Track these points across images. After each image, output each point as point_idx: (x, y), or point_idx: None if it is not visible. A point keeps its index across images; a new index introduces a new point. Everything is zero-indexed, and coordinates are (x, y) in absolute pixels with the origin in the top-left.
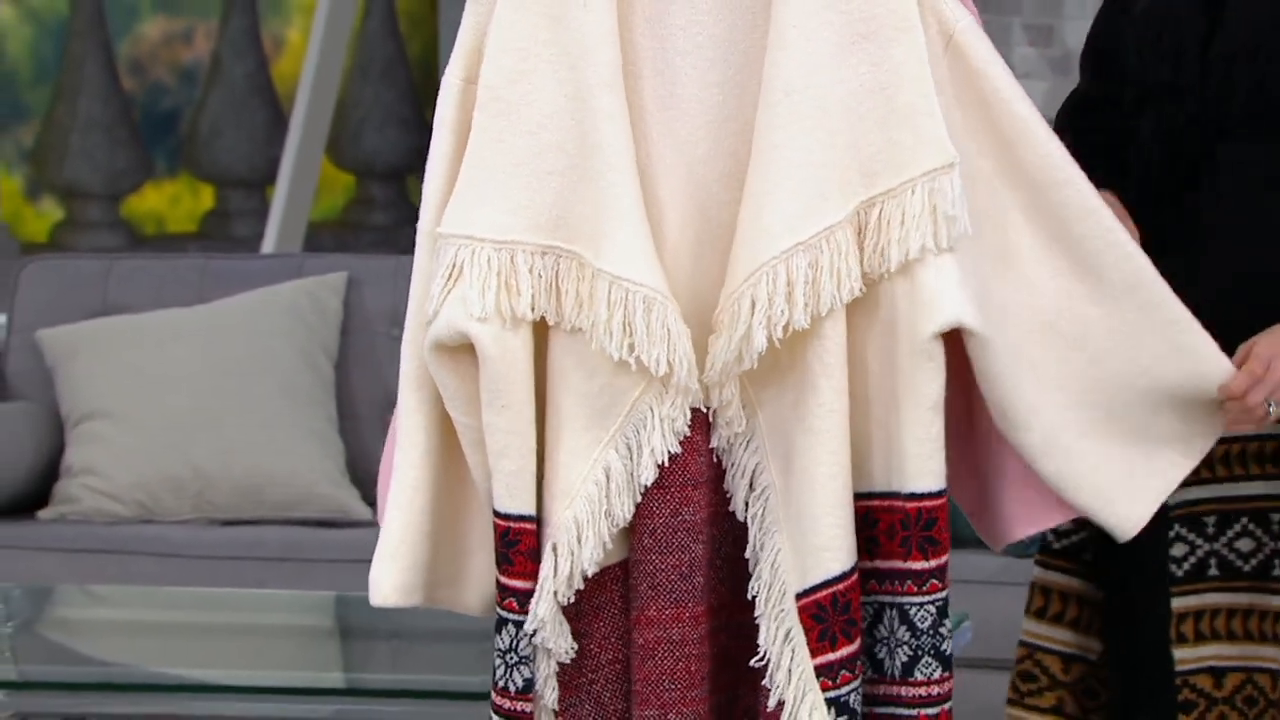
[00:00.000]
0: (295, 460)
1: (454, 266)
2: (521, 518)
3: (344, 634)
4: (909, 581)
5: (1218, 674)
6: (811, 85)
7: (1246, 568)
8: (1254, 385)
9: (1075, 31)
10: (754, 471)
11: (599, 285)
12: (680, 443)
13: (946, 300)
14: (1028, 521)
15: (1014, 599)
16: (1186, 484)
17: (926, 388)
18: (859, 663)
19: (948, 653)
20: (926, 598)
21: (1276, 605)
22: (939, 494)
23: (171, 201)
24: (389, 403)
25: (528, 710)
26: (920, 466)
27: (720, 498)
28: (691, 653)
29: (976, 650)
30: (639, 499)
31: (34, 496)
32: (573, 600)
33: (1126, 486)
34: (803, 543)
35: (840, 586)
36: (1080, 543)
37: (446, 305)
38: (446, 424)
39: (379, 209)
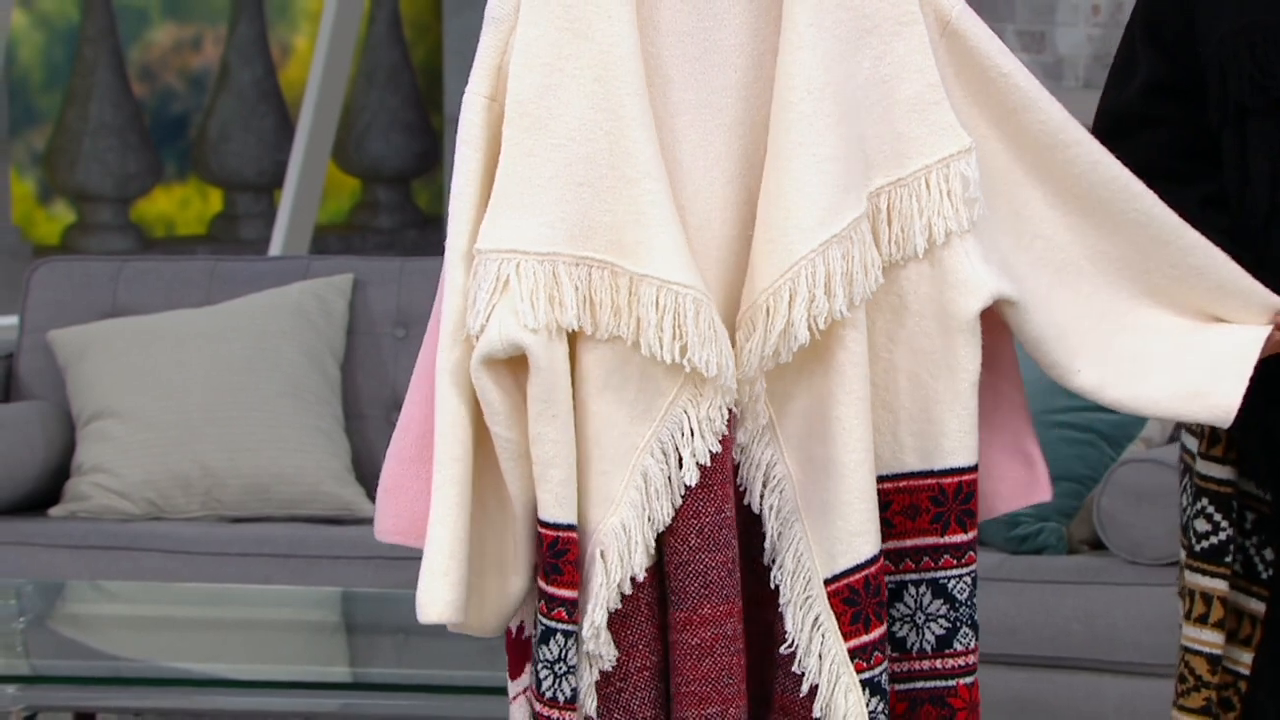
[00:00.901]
0: (302, 459)
1: (499, 280)
2: (569, 527)
3: (349, 629)
4: (946, 555)
5: None
6: (830, 82)
7: None
8: None
9: (1066, 38)
10: (769, 465)
11: (643, 290)
12: (720, 441)
13: (981, 278)
14: (1011, 499)
15: (1008, 595)
16: None
17: (971, 364)
18: (886, 645)
19: (978, 621)
20: (966, 569)
21: None
22: (974, 469)
23: (181, 205)
24: (394, 402)
25: None
26: (959, 443)
27: (736, 492)
28: (740, 647)
29: None
30: (679, 502)
31: (45, 494)
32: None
33: (1207, 377)
34: (830, 530)
35: (872, 570)
36: (1220, 546)
37: (496, 319)
38: (481, 440)
39: (384, 212)
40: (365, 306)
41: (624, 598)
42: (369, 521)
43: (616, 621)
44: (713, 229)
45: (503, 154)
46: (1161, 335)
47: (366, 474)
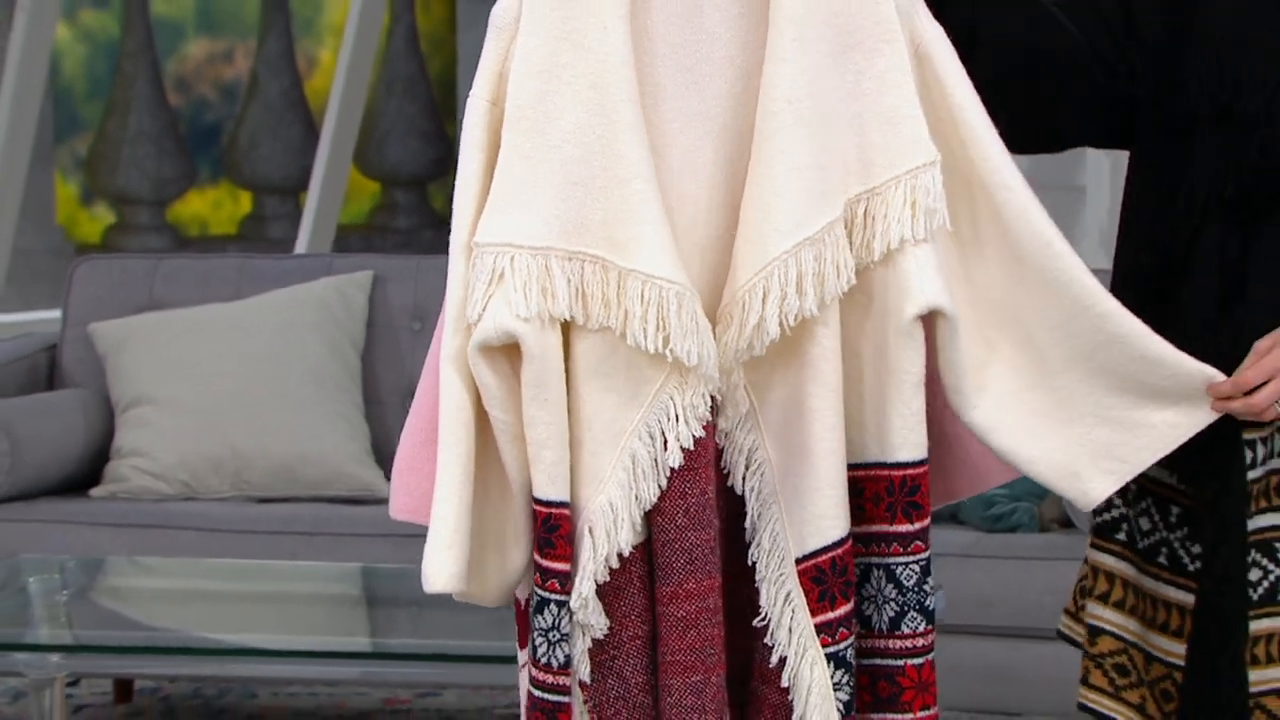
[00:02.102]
0: (325, 443)
1: (494, 273)
2: (562, 504)
3: (369, 602)
4: (895, 543)
5: None
6: (809, 94)
7: None
8: (1267, 382)
9: None
10: (751, 449)
11: (629, 284)
12: (704, 426)
13: (926, 285)
14: (1002, 473)
15: (982, 571)
16: (1261, 511)
17: (911, 366)
18: (854, 621)
19: (931, 608)
20: (911, 558)
21: None
22: (921, 463)
23: (213, 206)
24: (410, 390)
25: (567, 684)
26: (904, 438)
27: (719, 474)
28: (721, 619)
29: (949, 617)
30: (664, 482)
31: (87, 476)
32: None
33: (1090, 465)
34: (802, 513)
35: (839, 551)
36: (1112, 522)
37: (491, 309)
38: (482, 422)
39: (402, 213)
40: (384, 301)
41: (617, 571)
42: (387, 501)
43: (610, 593)
44: (700, 229)
45: (501, 154)
46: (1075, 405)
47: (384, 457)
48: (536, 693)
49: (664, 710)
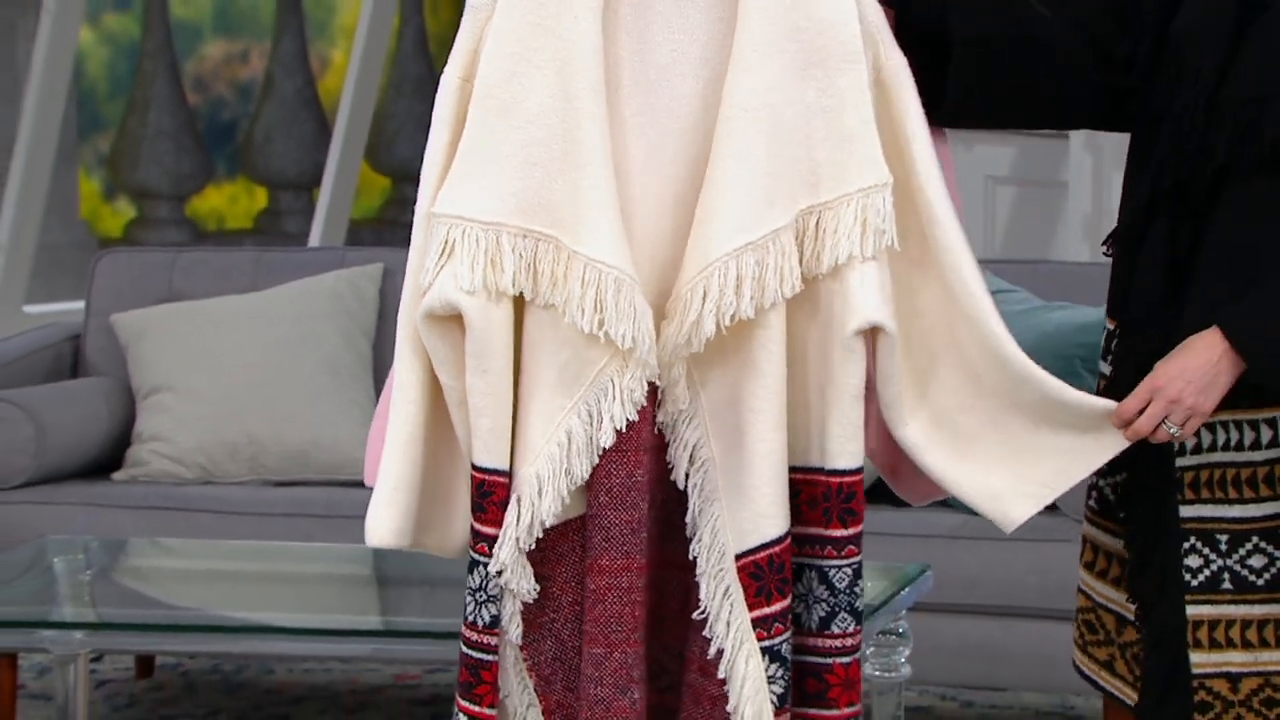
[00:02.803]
0: (338, 429)
1: (446, 244)
2: (495, 471)
3: (380, 582)
4: (829, 546)
5: (1233, 679)
6: (765, 104)
7: (1260, 582)
8: (1141, 412)
9: None
10: (695, 445)
11: (574, 266)
12: (638, 411)
13: (869, 302)
14: (933, 490)
15: (969, 552)
16: (1202, 502)
17: (850, 379)
18: (789, 616)
19: (859, 608)
20: (844, 561)
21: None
22: (856, 471)
23: (230, 201)
24: None
25: (493, 643)
26: (842, 447)
27: (662, 464)
28: (636, 599)
29: (937, 597)
30: (597, 460)
31: (109, 460)
32: (537, 548)
33: (1011, 488)
34: (742, 510)
35: (776, 549)
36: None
37: (439, 279)
38: (436, 387)
39: (411, 208)
40: (394, 292)
41: (558, 539)
42: None
43: (552, 560)
44: (659, 222)
45: (466, 130)
46: (1001, 430)
47: None
48: (465, 649)
49: (579, 675)
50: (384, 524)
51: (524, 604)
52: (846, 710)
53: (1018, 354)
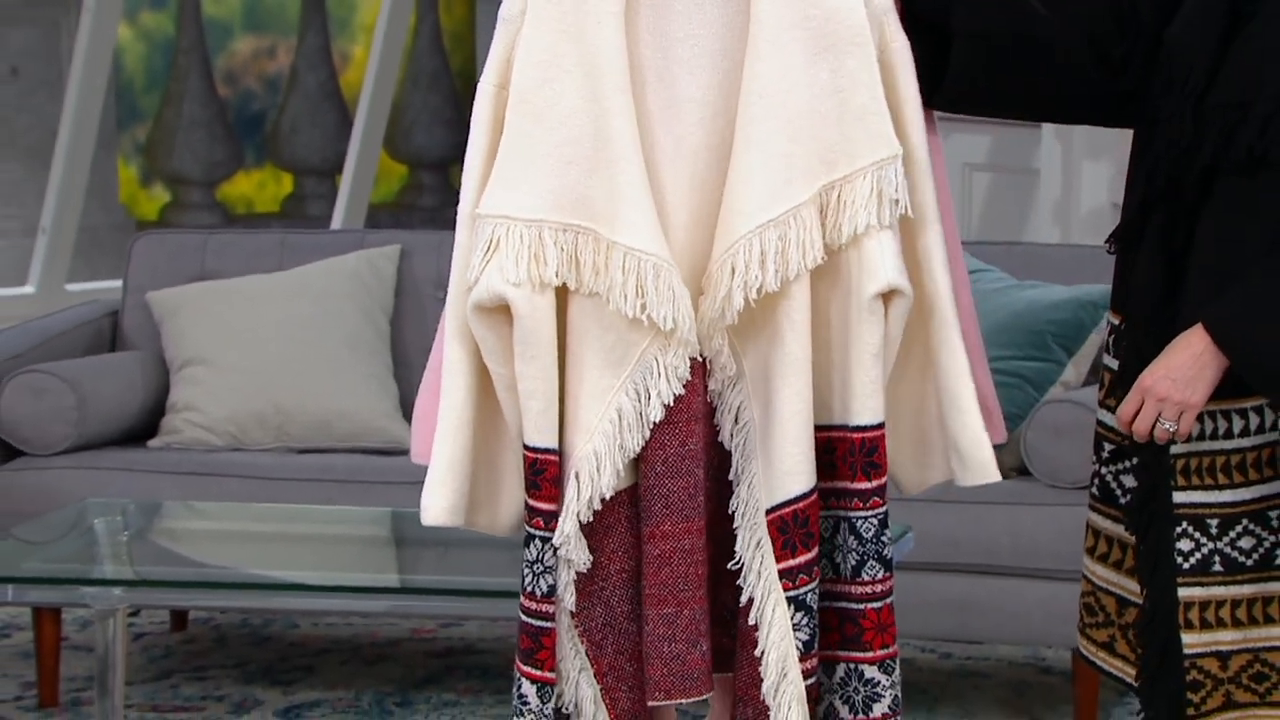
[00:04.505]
0: (358, 399)
1: (491, 241)
2: (547, 450)
3: (398, 542)
4: (855, 499)
5: (1223, 657)
6: (780, 89)
7: (1249, 562)
8: (1136, 415)
9: None
10: (739, 409)
11: (614, 255)
12: (688, 386)
13: (887, 267)
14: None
15: (950, 514)
16: (1193, 488)
17: (870, 338)
18: (816, 568)
19: (888, 557)
20: (870, 512)
21: (1273, 590)
22: (877, 426)
23: (258, 187)
24: None
25: (551, 611)
26: (863, 404)
27: (711, 430)
28: (699, 559)
29: (918, 556)
30: (649, 434)
31: (145, 429)
32: (589, 522)
33: (911, 460)
34: (772, 468)
35: (800, 505)
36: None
37: (486, 273)
38: (483, 374)
39: (427, 193)
40: (411, 272)
41: (605, 512)
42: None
43: (600, 532)
44: (690, 207)
45: (504, 134)
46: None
47: (410, 413)
48: (524, 618)
49: (644, 637)
50: (439, 503)
51: (576, 575)
52: (880, 652)
53: (955, 355)
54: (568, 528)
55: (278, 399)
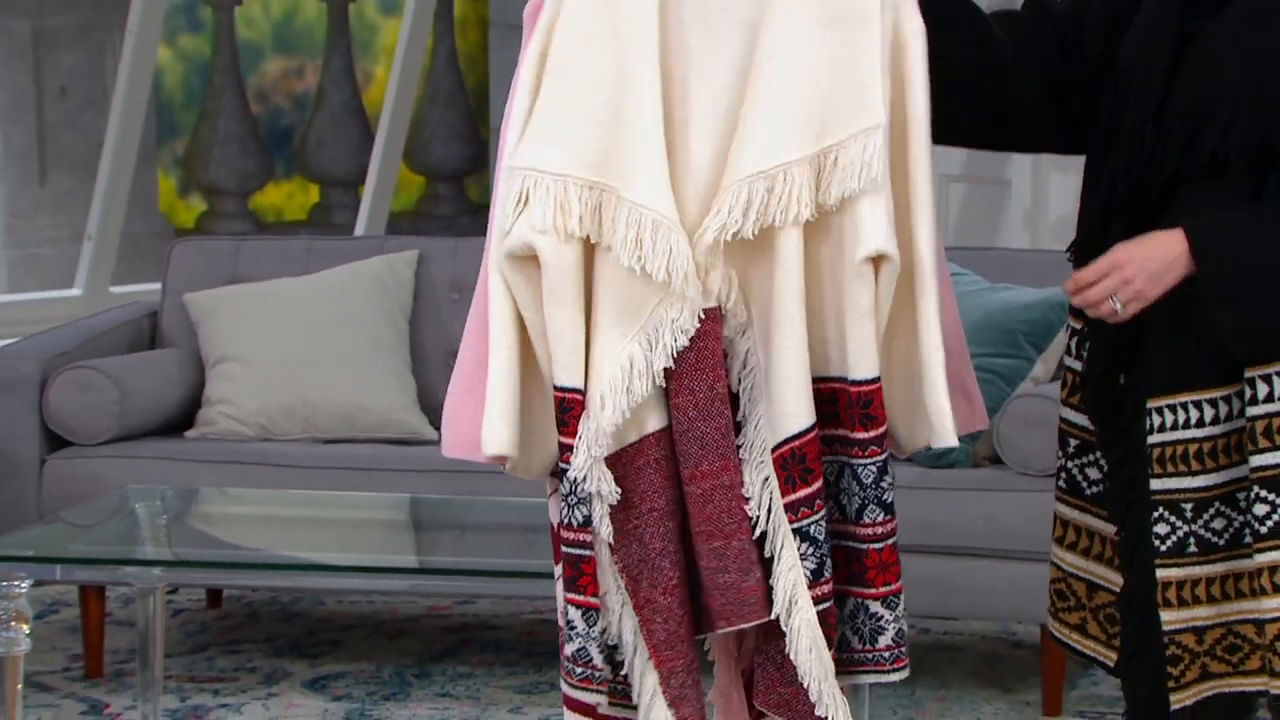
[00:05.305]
0: (379, 394)
1: (522, 193)
2: (573, 390)
3: (416, 526)
4: (854, 447)
5: (1199, 632)
6: (790, 53)
7: (1220, 542)
8: (1098, 281)
9: None
10: (746, 354)
11: (623, 210)
12: (704, 334)
13: (875, 233)
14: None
15: (926, 499)
16: (1168, 475)
17: (861, 299)
18: (818, 501)
19: (889, 501)
20: (868, 460)
21: (1249, 566)
22: (871, 380)
23: (287, 197)
24: (450, 350)
25: (587, 540)
26: (857, 360)
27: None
28: (738, 494)
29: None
30: (661, 381)
31: (182, 420)
32: (619, 463)
33: (901, 421)
34: (774, 409)
35: (797, 443)
36: (1079, 483)
37: (517, 224)
38: (522, 325)
39: (443, 202)
40: (428, 276)
41: (636, 453)
42: (431, 443)
43: (633, 473)
44: (712, 171)
45: (541, 94)
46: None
47: (428, 405)
48: (564, 549)
49: (700, 573)
50: (498, 434)
51: (612, 511)
52: (883, 589)
53: (928, 350)
54: (579, 460)
55: (305, 393)
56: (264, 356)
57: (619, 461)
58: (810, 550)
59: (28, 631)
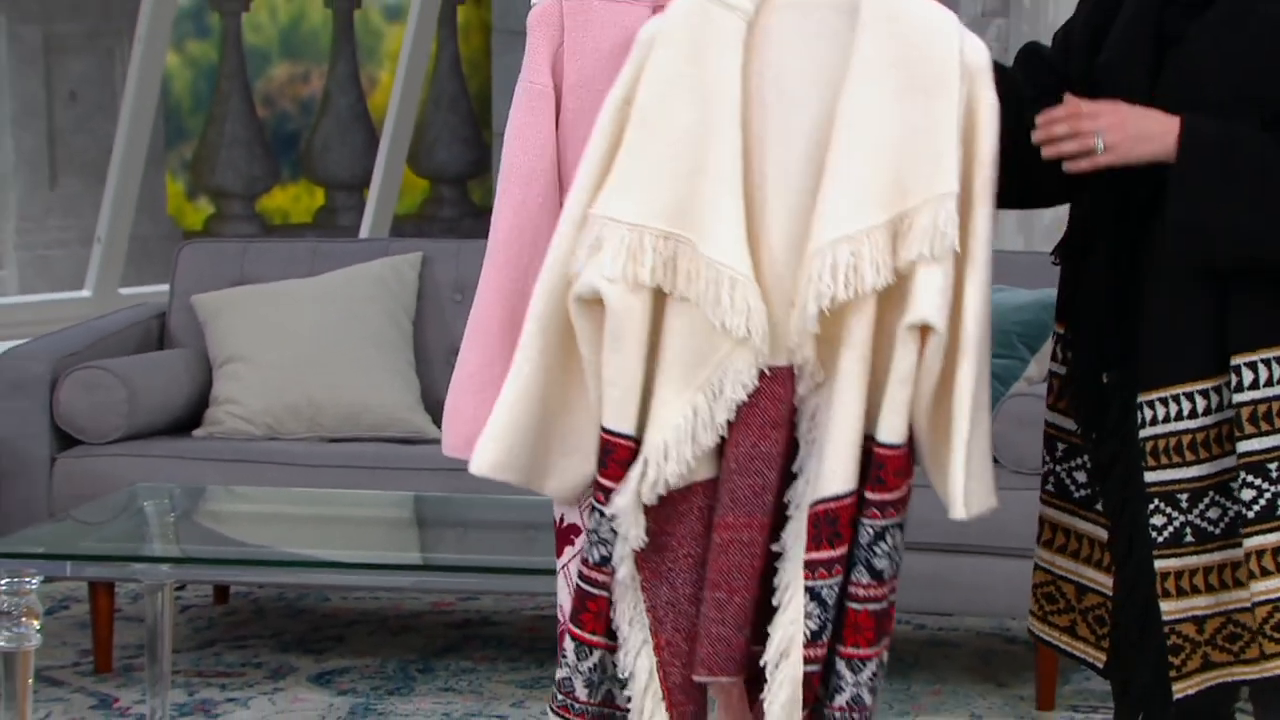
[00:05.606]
0: (383, 393)
1: (597, 239)
2: (619, 434)
3: (420, 523)
4: (873, 508)
5: (1199, 621)
6: (870, 120)
7: (1216, 531)
8: (1070, 118)
9: None
10: (815, 411)
11: (702, 266)
12: (761, 392)
13: (927, 302)
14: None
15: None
16: (1162, 467)
17: (901, 363)
18: (837, 566)
19: (879, 567)
20: (869, 521)
21: (1239, 555)
22: (895, 446)
23: (293, 200)
24: (453, 350)
25: (600, 579)
26: (887, 422)
27: (792, 433)
28: (755, 553)
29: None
30: (723, 433)
31: (190, 420)
32: (661, 505)
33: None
34: (821, 466)
35: (834, 504)
36: (1067, 487)
37: (588, 268)
38: (554, 355)
39: (446, 205)
40: (431, 277)
41: (679, 499)
42: (435, 441)
43: (674, 518)
44: (790, 229)
45: (623, 145)
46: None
47: (431, 404)
48: (577, 582)
49: (699, 617)
50: (487, 457)
51: (646, 552)
52: (850, 650)
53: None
54: (621, 502)
55: (310, 393)
56: (270, 357)
57: (662, 504)
58: (816, 611)
59: (38, 627)
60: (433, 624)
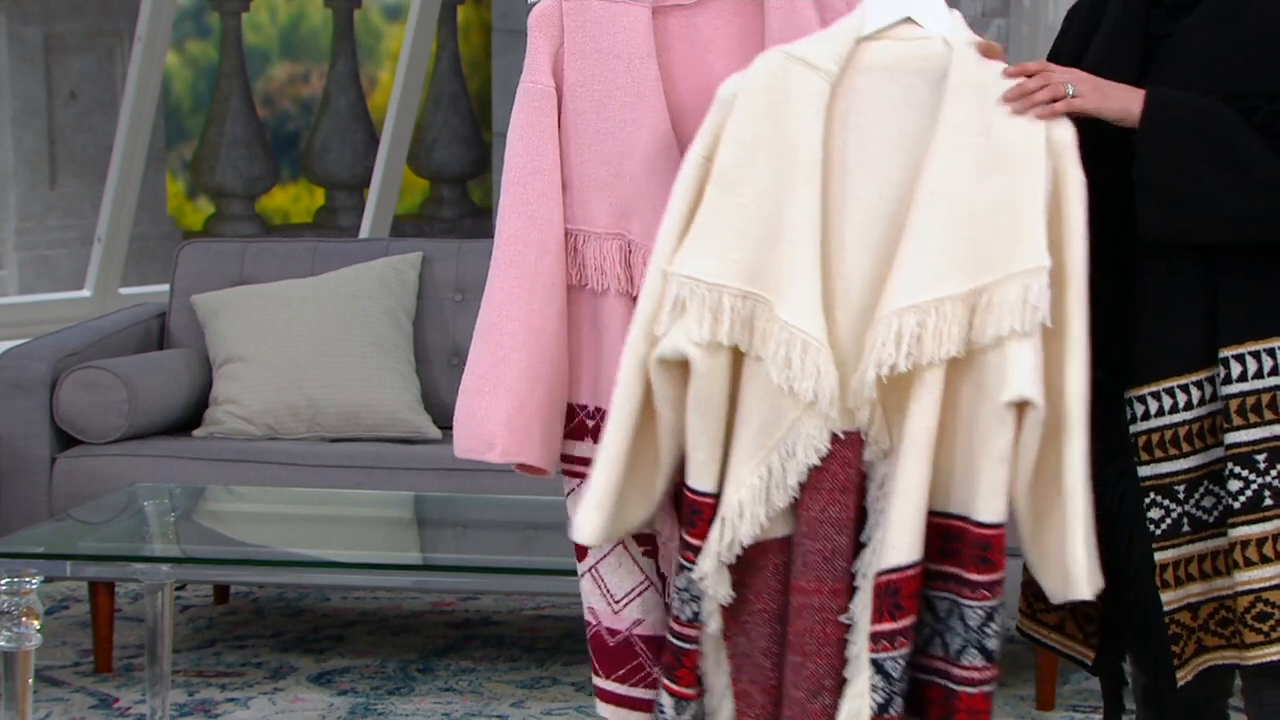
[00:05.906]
0: (384, 393)
1: (679, 300)
2: (705, 494)
3: (420, 523)
4: (966, 587)
5: (1194, 608)
6: (952, 190)
7: (1210, 519)
8: (1043, 71)
9: None
10: (884, 478)
11: (774, 328)
12: (831, 456)
13: (1023, 378)
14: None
15: None
16: (1156, 461)
17: (999, 442)
18: (900, 639)
19: (990, 648)
20: (977, 603)
21: (1224, 544)
22: (996, 525)
23: (293, 200)
24: (454, 350)
25: (693, 634)
26: (986, 503)
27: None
28: (828, 618)
29: None
30: (795, 494)
31: (190, 420)
32: (739, 559)
33: (1042, 571)
34: (885, 537)
35: (896, 576)
36: None
37: (673, 331)
38: (641, 416)
39: (446, 205)
40: (431, 277)
41: (757, 555)
42: (435, 441)
43: (753, 572)
44: (865, 293)
45: (702, 203)
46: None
47: (432, 404)
48: (670, 639)
49: (783, 678)
50: (592, 523)
51: (727, 606)
52: None
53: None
54: (706, 565)
55: (310, 392)
56: (270, 357)
57: (740, 557)
58: (881, 683)
59: (38, 627)
60: (433, 624)
